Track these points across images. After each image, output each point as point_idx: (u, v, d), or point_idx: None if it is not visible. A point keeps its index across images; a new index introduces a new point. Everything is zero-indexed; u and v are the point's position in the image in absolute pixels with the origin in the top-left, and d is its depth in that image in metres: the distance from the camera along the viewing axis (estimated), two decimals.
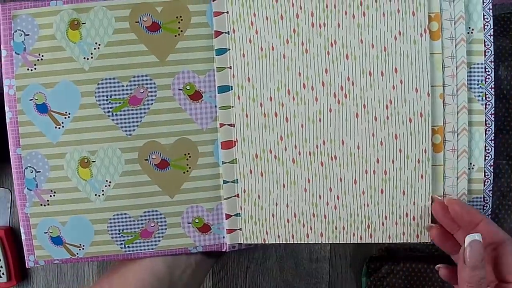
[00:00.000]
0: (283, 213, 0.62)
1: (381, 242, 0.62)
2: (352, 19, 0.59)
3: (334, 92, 0.60)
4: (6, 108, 0.60)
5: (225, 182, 0.62)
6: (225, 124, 0.61)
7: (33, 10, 0.60)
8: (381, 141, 0.60)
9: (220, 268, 0.77)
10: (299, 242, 0.62)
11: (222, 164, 0.62)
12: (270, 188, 0.62)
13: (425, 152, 0.59)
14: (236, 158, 0.62)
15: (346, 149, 0.60)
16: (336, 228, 0.61)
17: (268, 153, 0.61)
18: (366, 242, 0.62)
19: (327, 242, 0.62)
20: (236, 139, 0.61)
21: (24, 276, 0.70)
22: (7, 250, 0.68)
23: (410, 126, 0.59)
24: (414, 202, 0.60)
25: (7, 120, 0.60)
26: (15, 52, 0.60)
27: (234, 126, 0.61)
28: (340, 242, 0.62)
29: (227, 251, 0.63)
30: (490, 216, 0.61)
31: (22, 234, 0.62)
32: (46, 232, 0.61)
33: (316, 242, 0.62)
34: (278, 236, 0.62)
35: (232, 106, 0.61)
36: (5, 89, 0.60)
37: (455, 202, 0.57)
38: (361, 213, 0.61)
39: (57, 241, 0.62)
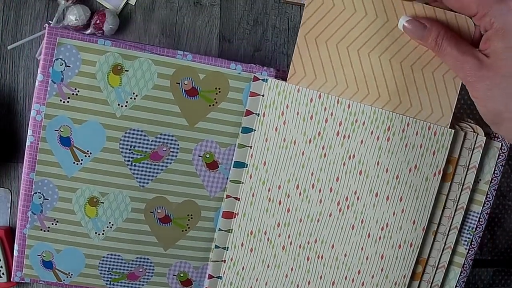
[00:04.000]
0: None
1: None
2: (376, 140, 0.61)
3: (339, 201, 0.63)
4: (29, 132, 0.61)
5: (216, 247, 0.65)
6: (231, 196, 0.64)
7: (80, 43, 0.60)
8: (367, 256, 0.63)
9: None
10: None
11: (219, 230, 0.65)
12: (255, 264, 0.65)
13: (404, 278, 0.64)
14: (232, 229, 0.65)
15: (333, 253, 0.64)
16: None
17: (262, 234, 0.65)
18: None
19: None
20: (238, 212, 0.65)
21: None
22: (7, 250, 0.68)
23: (398, 251, 0.63)
24: None
25: (27, 143, 0.61)
26: (52, 80, 0.60)
27: (239, 200, 0.64)
28: None
29: None
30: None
31: (15, 251, 0.63)
32: (39, 255, 0.64)
33: None
34: None
35: (242, 182, 0.64)
36: (33, 113, 0.60)
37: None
38: None
39: (47, 265, 0.64)
